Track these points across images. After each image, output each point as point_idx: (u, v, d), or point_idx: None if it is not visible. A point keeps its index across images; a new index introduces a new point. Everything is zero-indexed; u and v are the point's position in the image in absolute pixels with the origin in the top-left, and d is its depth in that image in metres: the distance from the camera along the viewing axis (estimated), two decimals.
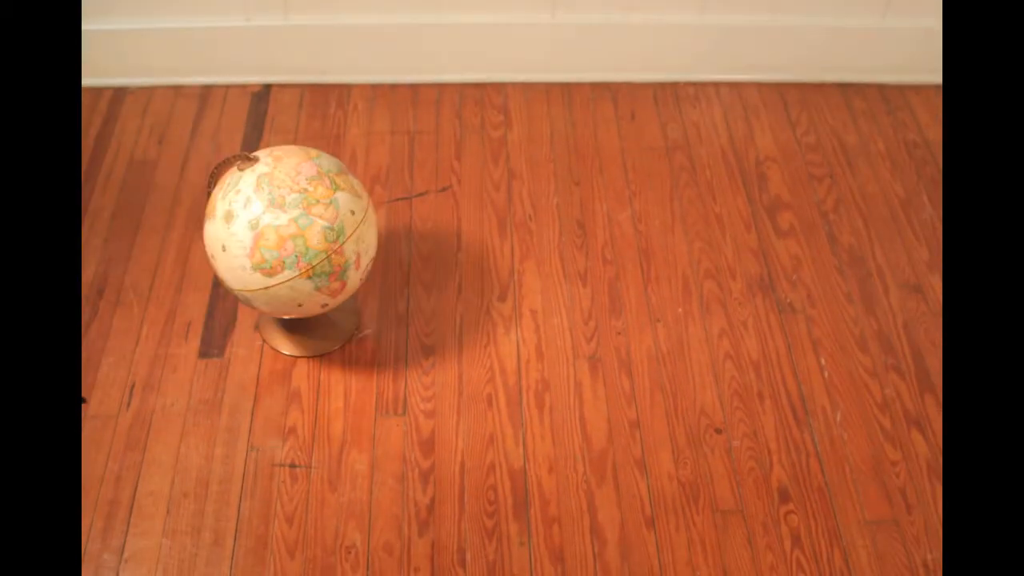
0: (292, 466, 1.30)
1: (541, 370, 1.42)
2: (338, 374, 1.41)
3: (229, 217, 1.19)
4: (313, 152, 1.24)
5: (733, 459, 1.31)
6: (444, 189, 1.51)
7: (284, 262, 1.19)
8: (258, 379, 1.39)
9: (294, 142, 1.76)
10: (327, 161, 1.24)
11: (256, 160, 1.21)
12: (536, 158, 1.70)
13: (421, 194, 1.59)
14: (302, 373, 1.41)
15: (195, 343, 1.41)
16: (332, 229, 1.19)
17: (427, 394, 1.39)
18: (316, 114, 1.72)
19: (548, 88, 1.77)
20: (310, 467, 1.29)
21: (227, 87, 1.82)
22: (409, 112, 1.73)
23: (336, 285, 1.24)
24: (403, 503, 1.27)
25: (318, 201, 1.19)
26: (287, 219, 1.18)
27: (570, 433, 1.36)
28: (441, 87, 1.76)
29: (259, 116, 1.78)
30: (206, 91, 1.82)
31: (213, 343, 1.42)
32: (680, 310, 1.50)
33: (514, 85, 1.76)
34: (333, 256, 1.20)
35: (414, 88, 1.75)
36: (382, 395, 1.39)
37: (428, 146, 1.70)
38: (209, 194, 1.25)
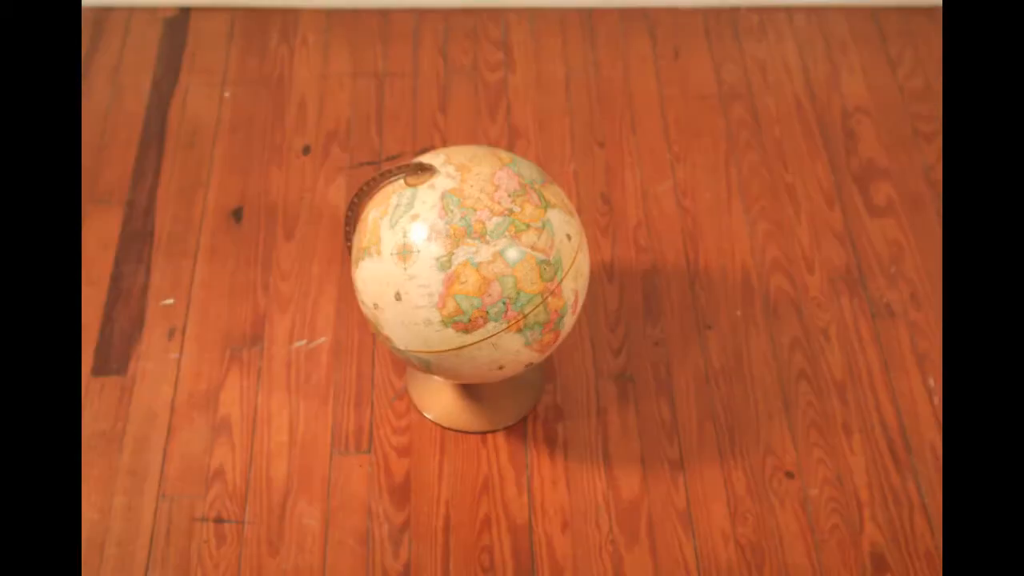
0: (219, 521, 1.30)
1: (553, 393, 1.44)
2: (280, 397, 1.42)
3: (407, 254, 1.18)
4: (505, 155, 1.24)
5: (810, 513, 1.31)
6: (393, 158, 1.52)
7: (488, 312, 1.18)
8: (173, 404, 1.39)
9: (221, 86, 1.73)
10: (526, 168, 1.24)
11: (433, 171, 1.20)
12: (547, 110, 1.70)
13: (393, 157, 1.61)
14: (232, 396, 1.43)
15: (87, 356, 1.42)
16: (549, 263, 1.19)
17: (400, 424, 1.41)
18: (252, 49, 1.73)
19: (562, 16, 1.77)
20: (243, 522, 1.30)
21: (130, 9, 1.80)
22: (376, 48, 1.74)
23: (549, 337, 1.22)
24: (368, 570, 1.27)
25: (528, 225, 1.18)
26: (491, 253, 1.17)
27: (591, 477, 1.37)
28: (420, 14, 1.77)
29: (174, 50, 1.75)
30: (102, 15, 1.79)
31: (112, 356, 1.42)
32: (738, 313, 1.50)
33: (517, 11, 1.77)
34: (550, 299, 1.19)
35: (383, 15, 1.76)
36: (340, 426, 1.40)
37: (402, 94, 1.71)
38: (349, 217, 1.24)
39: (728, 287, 1.53)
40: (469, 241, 1.18)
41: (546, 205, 1.22)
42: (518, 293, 1.18)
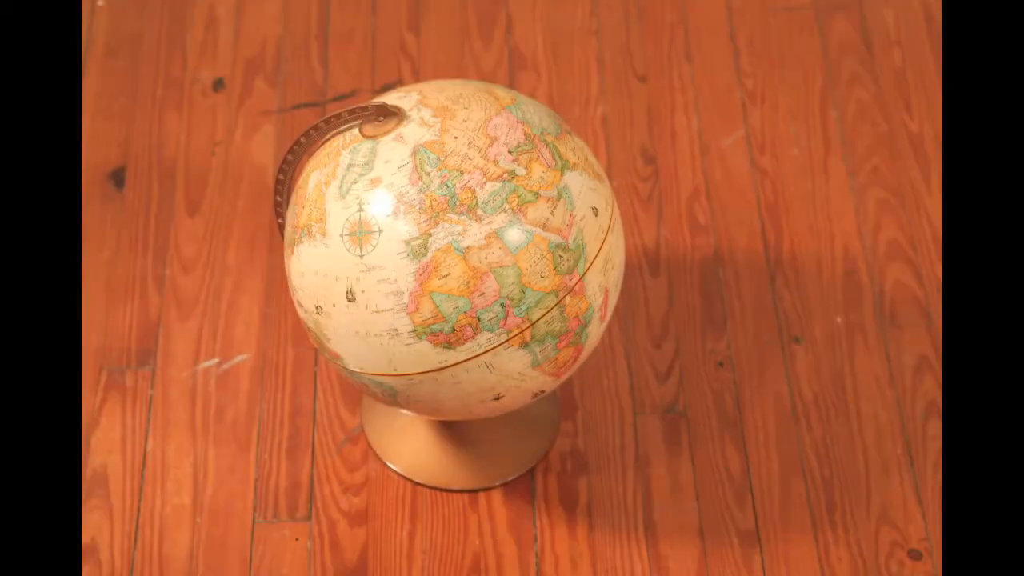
0: None
1: (573, 435, 1.43)
2: (180, 440, 1.42)
3: (364, 235, 1.22)
4: (504, 94, 1.28)
5: None
6: (343, 97, 1.57)
7: (479, 319, 1.20)
8: None
9: None
10: (534, 112, 1.28)
11: (401, 116, 1.24)
12: (564, 28, 1.70)
13: (344, 96, 1.61)
14: (109, 439, 1.43)
15: None
16: (567, 249, 1.22)
17: (353, 479, 1.40)
18: None
19: None
20: None
21: None
22: None
23: (567, 354, 1.26)
24: None
25: (536, 195, 1.22)
26: (484, 235, 1.20)
27: (626, 555, 1.37)
28: None
29: None
30: None
31: None
32: (839, 320, 1.49)
33: None
34: (568, 300, 1.23)
35: None
36: (266, 481, 1.40)
37: (356, 4, 1.72)
38: (281, 183, 1.29)
39: (824, 283, 1.52)
40: (453, 217, 1.20)
41: (563, 165, 1.24)
42: (523, 291, 1.21)
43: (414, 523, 1.37)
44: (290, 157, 1.27)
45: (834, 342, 1.47)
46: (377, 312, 1.21)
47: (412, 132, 1.23)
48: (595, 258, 1.24)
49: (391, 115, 1.24)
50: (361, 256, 1.21)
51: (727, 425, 1.42)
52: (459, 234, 1.20)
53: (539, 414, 1.44)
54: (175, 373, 1.46)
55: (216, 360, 1.47)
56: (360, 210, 1.21)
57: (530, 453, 1.42)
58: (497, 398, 1.25)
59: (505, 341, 1.21)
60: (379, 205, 1.21)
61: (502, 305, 1.20)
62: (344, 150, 1.25)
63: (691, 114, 1.63)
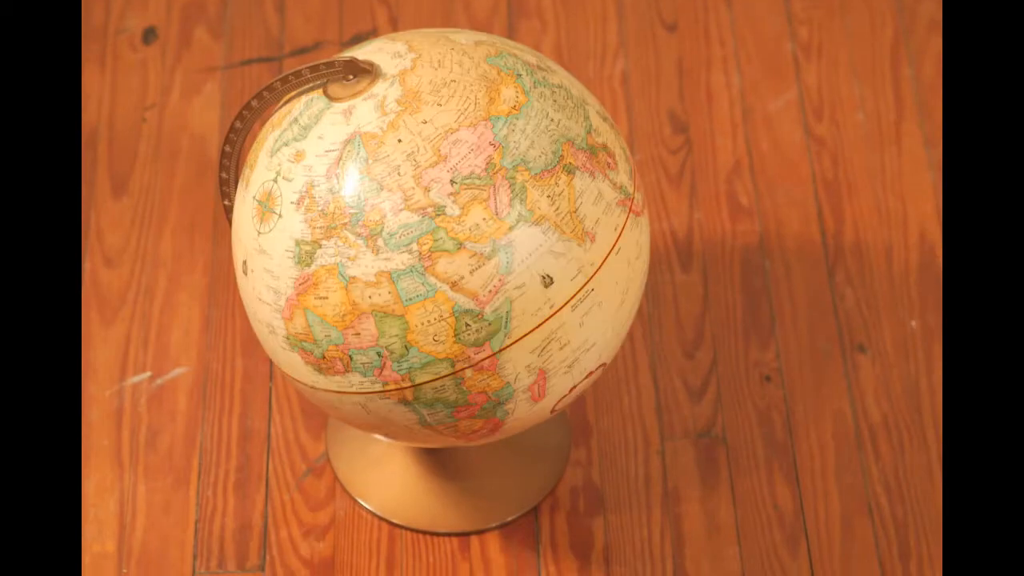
0: None
1: (586, 465, 1.43)
2: (103, 472, 1.42)
3: (267, 210, 1.25)
4: (510, 94, 1.26)
5: None
6: (303, 51, 1.57)
7: (351, 357, 1.23)
8: None
9: None
10: (534, 130, 1.26)
11: (376, 72, 1.25)
12: None
13: (304, 50, 1.63)
14: None
15: None
16: (478, 318, 1.23)
17: (317, 520, 1.41)
18: None
19: None
20: None
21: None
22: None
23: (474, 424, 1.28)
24: None
25: (459, 244, 1.22)
26: (374, 269, 1.22)
27: None
28: None
29: None
30: None
31: None
32: (914, 325, 1.49)
33: None
34: (470, 373, 1.24)
35: None
36: (209, 523, 1.40)
37: None
38: (227, 155, 1.31)
39: (895, 279, 1.52)
40: (349, 236, 1.22)
41: (520, 217, 1.23)
42: (406, 348, 1.23)
43: (391, 574, 1.38)
44: (238, 124, 1.28)
45: (907, 351, 1.48)
46: (260, 300, 1.26)
47: (363, 113, 1.24)
48: (525, 336, 1.24)
49: (363, 72, 1.24)
50: (259, 233, 1.25)
51: (775, 452, 1.43)
52: (349, 259, 1.22)
53: (544, 439, 1.46)
54: (96, 391, 1.47)
55: (148, 374, 1.48)
56: (276, 181, 1.25)
57: (534, 488, 1.43)
58: (387, 435, 1.30)
59: (381, 391, 1.24)
60: (290, 186, 1.24)
61: (379, 354, 1.23)
62: (299, 100, 1.27)
63: (731, 71, 1.64)
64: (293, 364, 1.26)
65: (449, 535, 1.41)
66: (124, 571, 1.36)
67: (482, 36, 1.28)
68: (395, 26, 1.67)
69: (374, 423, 1.28)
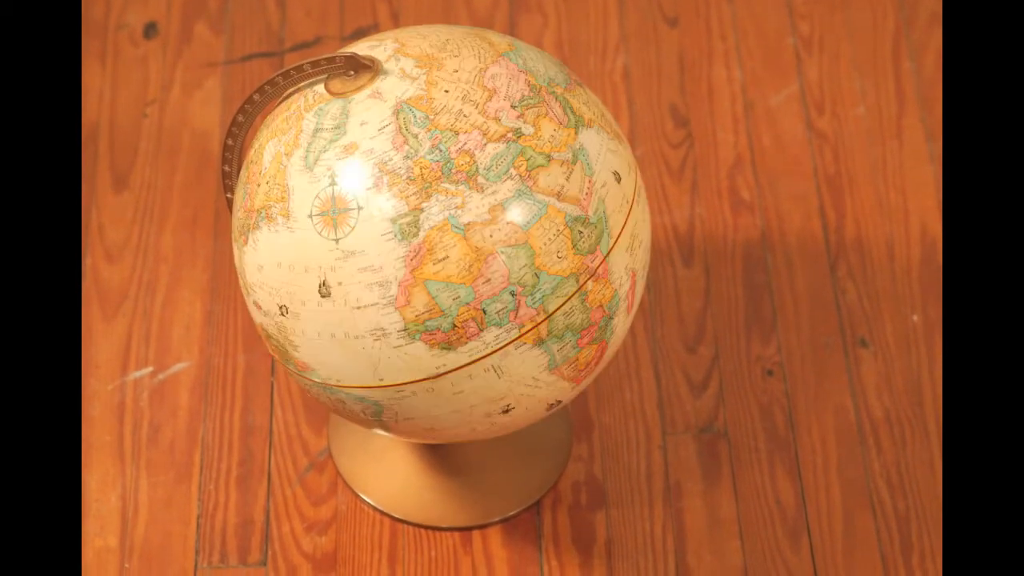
0: None
1: (588, 460, 1.43)
2: (104, 468, 1.41)
3: (339, 214, 1.23)
4: (499, 40, 1.29)
5: None
6: (305, 46, 1.58)
7: (485, 311, 1.22)
8: None
9: None
10: (537, 60, 1.29)
11: (377, 68, 1.25)
12: None
13: (306, 44, 1.64)
14: None
15: None
16: (587, 223, 1.24)
17: (319, 515, 1.40)
18: None
19: None
20: None
21: None
22: None
23: (589, 353, 1.27)
24: None
25: (548, 157, 1.23)
26: (486, 207, 1.21)
27: None
28: None
29: None
30: None
31: None
32: (915, 318, 1.50)
33: None
34: (591, 286, 1.24)
35: None
36: (211, 518, 1.40)
37: None
38: (230, 149, 1.30)
39: (897, 273, 1.52)
40: (449, 187, 1.21)
41: (576, 122, 1.26)
42: (536, 275, 1.22)
43: (393, 568, 1.38)
44: (240, 119, 1.28)
45: (909, 345, 1.48)
46: (358, 308, 1.22)
47: (392, 86, 1.23)
48: (620, 234, 1.26)
49: (364, 68, 1.24)
50: (336, 240, 1.22)
51: (777, 447, 1.43)
52: (457, 208, 1.21)
53: (546, 434, 1.45)
54: (98, 386, 1.47)
55: (150, 369, 1.48)
56: (332, 184, 1.22)
57: (535, 482, 1.44)
58: (506, 410, 1.26)
59: (517, 338, 1.23)
60: (356, 177, 1.22)
61: (512, 293, 1.22)
62: (308, 112, 1.25)
63: (732, 65, 1.64)
64: (412, 361, 1.24)
65: (451, 530, 1.40)
66: (126, 566, 1.37)
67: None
68: (396, 21, 1.67)
69: (496, 393, 1.26)
